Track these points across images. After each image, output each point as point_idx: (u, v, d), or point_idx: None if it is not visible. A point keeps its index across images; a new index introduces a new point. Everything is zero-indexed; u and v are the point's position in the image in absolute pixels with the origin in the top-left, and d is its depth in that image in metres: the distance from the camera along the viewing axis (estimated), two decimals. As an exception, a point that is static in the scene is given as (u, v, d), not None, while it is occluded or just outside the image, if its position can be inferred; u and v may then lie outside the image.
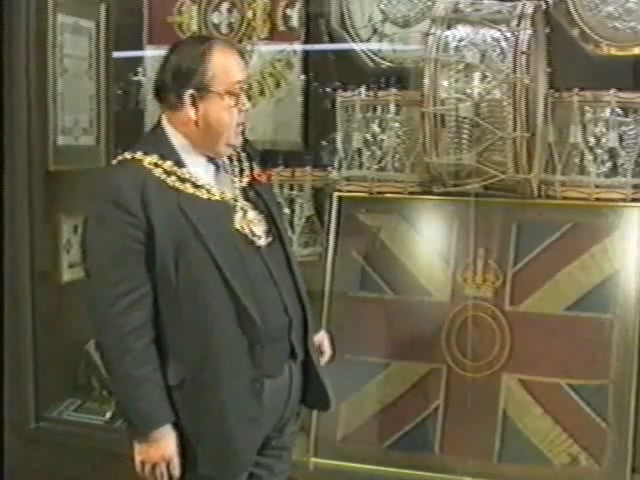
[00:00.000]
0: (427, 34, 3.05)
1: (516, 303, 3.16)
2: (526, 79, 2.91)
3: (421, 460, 3.17)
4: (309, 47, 3.53)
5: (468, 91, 2.98)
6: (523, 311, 3.15)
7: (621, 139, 3.05)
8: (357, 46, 3.45)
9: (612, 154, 3.06)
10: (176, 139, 2.34)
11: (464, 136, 3.00)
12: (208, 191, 2.33)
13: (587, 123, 3.07)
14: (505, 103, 2.93)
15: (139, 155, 2.31)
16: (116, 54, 3.85)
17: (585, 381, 3.04)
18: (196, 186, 2.31)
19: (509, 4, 3.04)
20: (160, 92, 2.36)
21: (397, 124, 3.29)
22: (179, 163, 2.32)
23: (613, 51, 3.12)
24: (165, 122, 2.36)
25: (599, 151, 3.07)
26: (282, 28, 3.53)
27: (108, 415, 3.68)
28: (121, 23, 3.85)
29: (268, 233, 2.40)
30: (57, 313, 3.78)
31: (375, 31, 3.44)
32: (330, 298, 3.33)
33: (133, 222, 2.22)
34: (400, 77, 3.37)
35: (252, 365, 2.29)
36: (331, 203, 3.39)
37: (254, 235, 2.36)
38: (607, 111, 3.05)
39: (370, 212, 3.35)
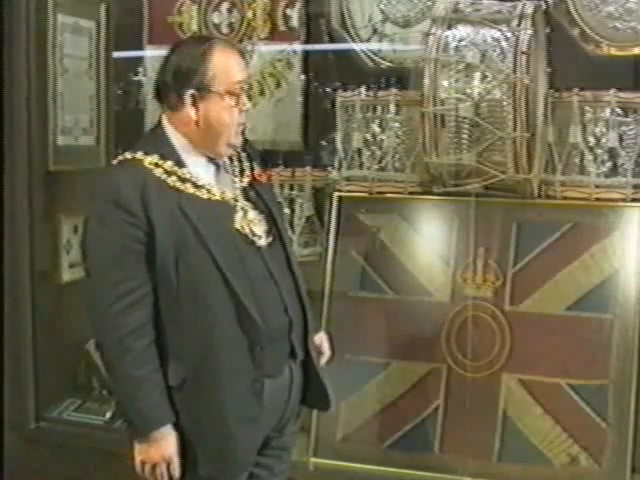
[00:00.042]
0: (427, 34, 3.05)
1: (516, 303, 3.16)
2: (526, 79, 2.91)
3: (421, 460, 3.16)
4: (309, 47, 3.53)
5: (468, 91, 2.98)
6: (523, 311, 3.15)
7: (621, 139, 3.05)
8: (357, 46, 3.45)
9: (612, 154, 3.06)
10: (176, 139, 2.34)
11: (464, 136, 3.00)
12: (208, 191, 2.33)
13: (587, 123, 3.08)
14: (505, 103, 2.93)
15: (139, 155, 2.31)
16: (116, 54, 3.85)
17: (585, 381, 3.04)
18: (196, 186, 2.31)
19: (509, 4, 3.04)
20: (160, 92, 2.37)
21: (397, 124, 3.29)
22: (179, 163, 2.31)
23: (613, 51, 3.12)
24: (165, 122, 2.36)
25: (599, 151, 3.07)
26: (282, 28, 3.53)
27: (108, 415, 3.68)
28: (121, 23, 3.85)
29: (268, 233, 2.40)
30: (57, 313, 3.78)
31: (375, 31, 3.44)
32: (330, 298, 3.32)
33: (133, 222, 2.22)
34: (400, 77, 3.36)
35: (252, 365, 2.29)
36: (331, 203, 3.39)
37: (254, 235, 2.36)
38: (607, 111, 3.05)
39: (370, 212, 3.35)
